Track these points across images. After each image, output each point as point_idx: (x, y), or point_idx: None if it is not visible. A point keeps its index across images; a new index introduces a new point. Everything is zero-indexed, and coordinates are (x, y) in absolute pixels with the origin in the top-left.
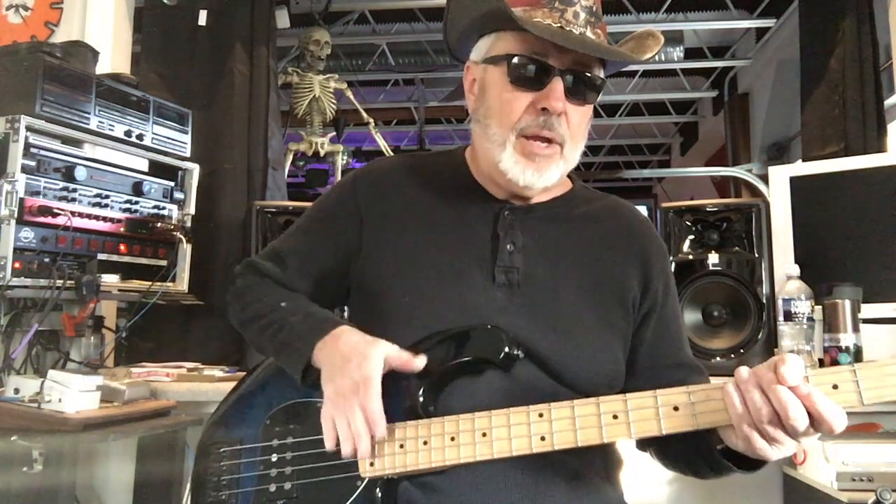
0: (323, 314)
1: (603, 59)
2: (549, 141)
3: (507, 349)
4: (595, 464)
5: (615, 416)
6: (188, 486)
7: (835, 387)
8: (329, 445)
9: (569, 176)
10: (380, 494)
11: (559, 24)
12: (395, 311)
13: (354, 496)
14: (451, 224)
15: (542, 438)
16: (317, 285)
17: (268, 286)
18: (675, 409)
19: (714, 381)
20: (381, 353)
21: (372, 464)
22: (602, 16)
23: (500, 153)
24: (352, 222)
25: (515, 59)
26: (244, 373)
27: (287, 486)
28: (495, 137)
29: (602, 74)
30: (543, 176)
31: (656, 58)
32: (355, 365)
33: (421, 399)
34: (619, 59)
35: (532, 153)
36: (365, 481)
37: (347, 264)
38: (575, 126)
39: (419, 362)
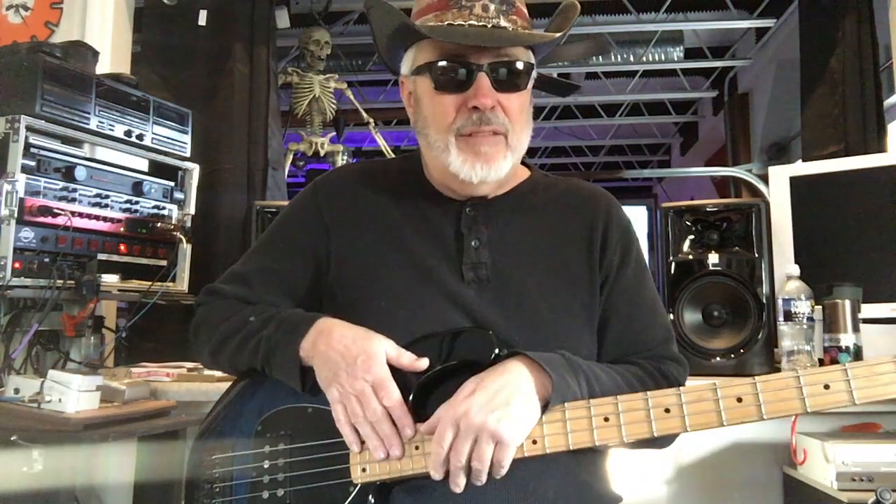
0: (297, 316)
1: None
2: (491, 133)
3: (497, 351)
4: (587, 461)
5: (606, 419)
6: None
7: (826, 386)
8: (357, 448)
9: (527, 165)
10: (372, 500)
11: (469, 22)
12: (372, 317)
13: (347, 502)
14: (416, 226)
15: (534, 442)
16: (286, 300)
17: (232, 306)
18: (667, 410)
19: (713, 381)
20: (383, 351)
21: (364, 469)
22: (515, 2)
23: (447, 157)
24: (317, 233)
25: (436, 66)
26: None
27: (280, 492)
28: (437, 144)
29: (530, 58)
30: (493, 168)
31: (656, 57)
32: (362, 364)
33: (411, 403)
34: (527, 42)
35: (476, 145)
36: (357, 487)
37: (316, 276)
38: (515, 114)
39: (422, 363)
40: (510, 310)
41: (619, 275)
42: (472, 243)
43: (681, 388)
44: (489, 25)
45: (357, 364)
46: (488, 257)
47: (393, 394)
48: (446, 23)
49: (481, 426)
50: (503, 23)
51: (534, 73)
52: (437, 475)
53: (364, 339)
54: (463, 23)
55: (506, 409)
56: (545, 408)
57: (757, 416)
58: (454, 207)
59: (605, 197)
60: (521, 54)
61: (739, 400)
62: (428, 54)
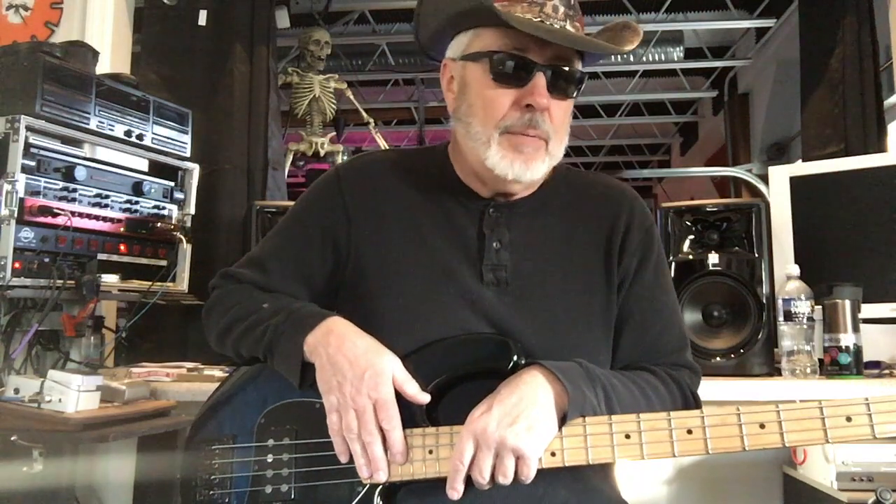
0: (309, 309)
1: (581, 52)
2: (535, 137)
3: (515, 359)
4: (597, 466)
5: (627, 436)
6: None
7: (848, 419)
8: (345, 459)
9: None
10: (379, 501)
11: (539, 19)
12: (388, 313)
13: (354, 502)
14: (438, 223)
15: (553, 454)
16: (303, 287)
17: (247, 290)
18: (689, 432)
19: (713, 381)
20: (391, 371)
21: None
22: (579, 9)
23: (486, 151)
24: (339, 220)
25: (497, 56)
26: None
27: (284, 487)
28: (479, 136)
29: (581, 68)
30: (531, 169)
31: (656, 57)
32: (369, 380)
33: (425, 406)
34: (603, 51)
35: (519, 144)
36: (366, 487)
37: (335, 264)
38: (558, 121)
39: (424, 398)
40: (528, 314)
41: (637, 278)
42: (494, 245)
43: (705, 410)
44: (556, 26)
45: (364, 378)
46: (509, 259)
47: (394, 419)
48: (515, 14)
49: (501, 441)
50: (569, 27)
51: (582, 85)
52: (454, 493)
53: (375, 352)
54: (533, 18)
55: (524, 423)
56: (563, 418)
57: (780, 444)
58: (478, 207)
59: (630, 197)
60: (577, 62)
61: (762, 426)
62: (489, 42)
